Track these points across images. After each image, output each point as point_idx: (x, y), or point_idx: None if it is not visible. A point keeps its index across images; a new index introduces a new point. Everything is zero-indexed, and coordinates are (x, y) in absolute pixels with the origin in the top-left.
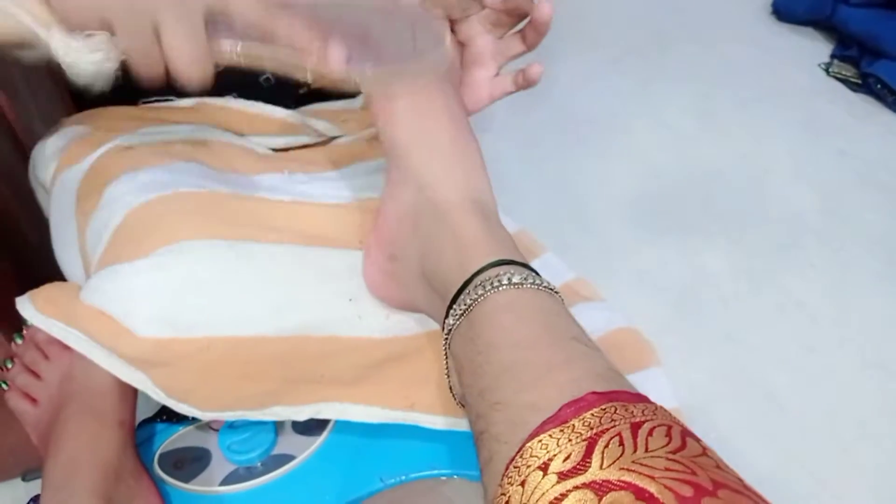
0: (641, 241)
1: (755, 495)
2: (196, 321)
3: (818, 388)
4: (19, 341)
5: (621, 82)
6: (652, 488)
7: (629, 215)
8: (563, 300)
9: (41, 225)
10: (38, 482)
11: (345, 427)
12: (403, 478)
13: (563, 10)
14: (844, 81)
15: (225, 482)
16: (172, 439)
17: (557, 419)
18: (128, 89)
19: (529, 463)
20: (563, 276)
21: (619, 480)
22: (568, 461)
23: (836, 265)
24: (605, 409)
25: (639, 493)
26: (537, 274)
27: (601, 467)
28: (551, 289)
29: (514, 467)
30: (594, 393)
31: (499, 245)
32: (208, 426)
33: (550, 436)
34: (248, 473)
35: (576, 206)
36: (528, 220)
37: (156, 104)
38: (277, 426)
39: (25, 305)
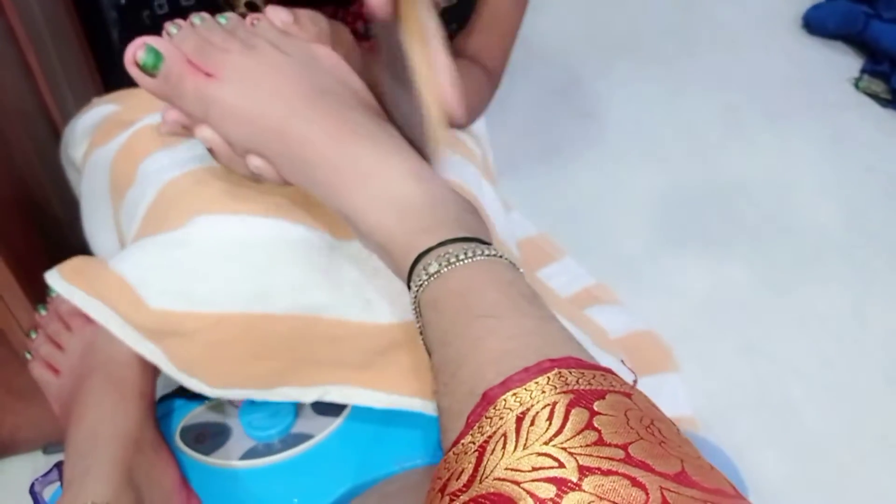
0: (663, 248)
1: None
2: (209, 297)
3: (838, 401)
4: (43, 312)
5: (648, 89)
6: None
7: (652, 223)
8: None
9: (71, 202)
10: (59, 455)
11: (363, 409)
12: (420, 461)
13: (591, 16)
14: (874, 97)
15: (244, 457)
16: (195, 413)
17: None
18: None
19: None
20: (582, 280)
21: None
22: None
23: (858, 280)
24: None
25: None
26: (468, 242)
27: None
28: (467, 257)
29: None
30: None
31: (417, 241)
32: (230, 402)
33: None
34: (266, 450)
35: (598, 211)
36: (549, 225)
37: None
38: (298, 406)
39: (52, 275)
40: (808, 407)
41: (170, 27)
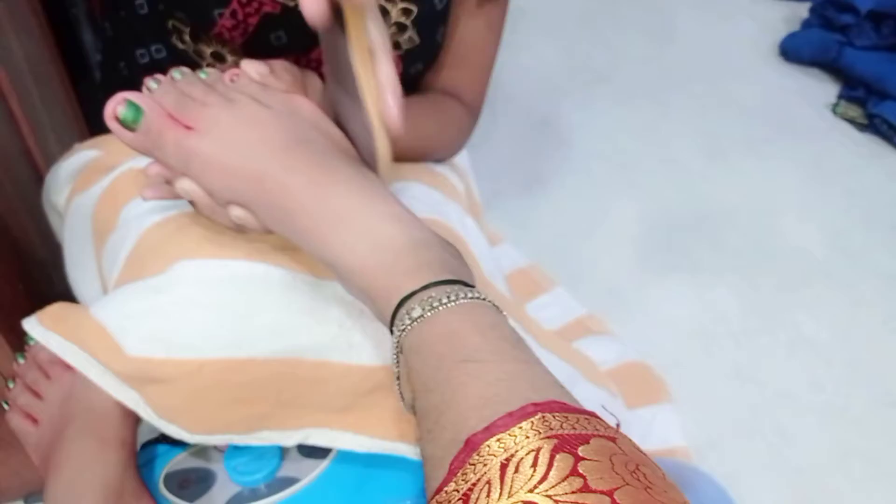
0: (651, 277)
1: None
2: (189, 343)
3: (829, 426)
4: (21, 361)
5: (630, 121)
6: None
7: (639, 252)
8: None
9: (54, 246)
10: None
11: (349, 451)
12: (408, 502)
13: (571, 48)
14: (851, 122)
15: (229, 503)
16: (178, 460)
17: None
18: None
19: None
20: (573, 311)
21: None
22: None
23: (845, 303)
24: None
25: None
26: (453, 285)
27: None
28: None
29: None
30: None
31: (399, 284)
32: (214, 447)
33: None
34: (252, 495)
35: (583, 241)
36: (535, 256)
37: None
38: (283, 448)
39: (30, 321)
40: (799, 432)
41: (150, 82)
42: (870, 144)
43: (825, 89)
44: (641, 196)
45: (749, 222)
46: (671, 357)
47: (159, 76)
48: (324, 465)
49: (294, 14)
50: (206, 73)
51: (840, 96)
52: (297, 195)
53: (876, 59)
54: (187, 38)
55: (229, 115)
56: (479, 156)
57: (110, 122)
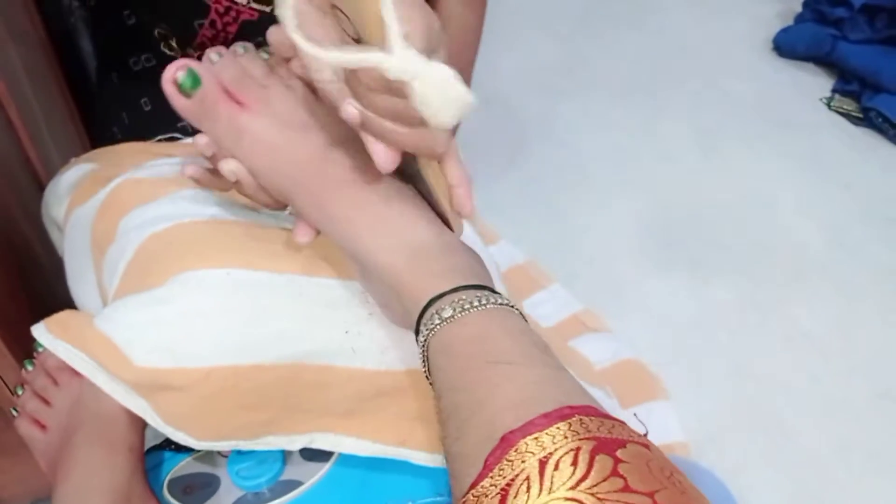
0: (648, 273)
1: None
2: (196, 352)
3: (828, 419)
4: (30, 368)
5: (625, 119)
6: None
7: (636, 248)
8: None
9: (56, 256)
10: None
11: (352, 454)
12: (410, 503)
13: (565, 48)
14: (846, 115)
15: None
16: (182, 465)
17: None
18: (139, 129)
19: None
20: (570, 307)
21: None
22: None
23: (842, 297)
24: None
25: None
26: (482, 290)
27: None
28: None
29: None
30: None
31: (429, 285)
32: (218, 452)
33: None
34: (255, 499)
35: (581, 239)
36: (533, 254)
37: (166, 142)
38: (286, 452)
39: (38, 328)
40: (798, 426)
41: (211, 54)
42: (865, 138)
43: (819, 83)
44: (638, 193)
45: (745, 217)
46: (669, 353)
47: (222, 49)
48: (326, 468)
49: (272, 20)
50: (268, 55)
51: (834, 90)
52: (338, 184)
53: (870, 52)
54: (174, 44)
55: (288, 100)
56: (474, 154)
57: (167, 85)
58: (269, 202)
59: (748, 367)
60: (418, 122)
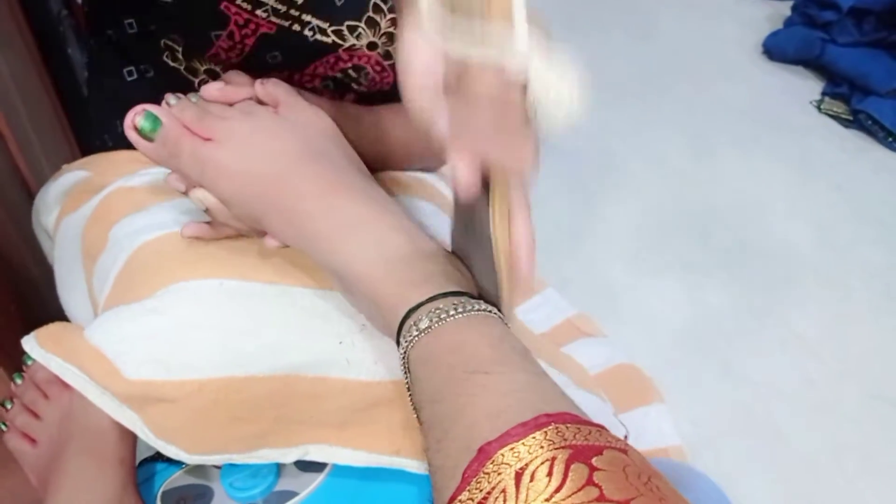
0: (641, 277)
1: None
2: (189, 363)
3: (821, 421)
4: (19, 381)
5: (617, 123)
6: None
7: (629, 252)
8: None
9: (47, 266)
10: None
11: (346, 465)
12: None
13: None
14: (836, 118)
15: None
16: (174, 477)
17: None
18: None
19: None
20: (564, 311)
21: None
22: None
23: (834, 299)
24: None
25: None
26: (457, 297)
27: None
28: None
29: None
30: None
31: (405, 296)
32: (212, 464)
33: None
34: None
35: (574, 243)
36: None
37: None
38: (280, 463)
39: (29, 341)
40: (792, 428)
41: (169, 98)
42: (855, 140)
43: (809, 86)
44: (630, 197)
45: (737, 220)
46: (663, 357)
47: (179, 94)
48: (320, 478)
49: (289, 34)
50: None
51: (824, 93)
52: (308, 201)
53: (858, 55)
54: (180, 55)
55: (247, 126)
56: None
57: (129, 132)
58: (243, 229)
59: (742, 370)
60: (520, 125)
